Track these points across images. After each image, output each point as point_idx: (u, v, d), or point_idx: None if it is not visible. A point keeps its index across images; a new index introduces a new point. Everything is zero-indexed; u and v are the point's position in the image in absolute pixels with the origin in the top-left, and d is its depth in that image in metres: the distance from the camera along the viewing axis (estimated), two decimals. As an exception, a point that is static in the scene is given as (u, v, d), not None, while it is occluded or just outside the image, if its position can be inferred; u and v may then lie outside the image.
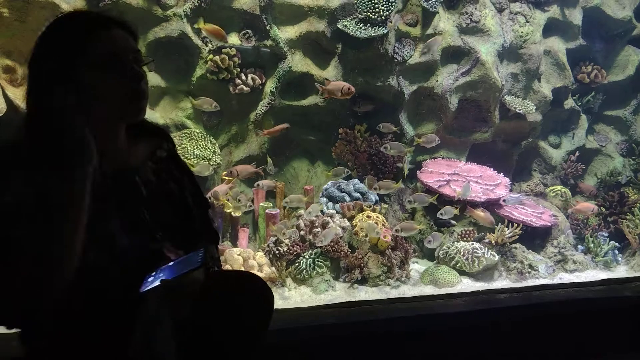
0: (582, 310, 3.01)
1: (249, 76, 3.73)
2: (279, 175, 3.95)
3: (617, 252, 3.85)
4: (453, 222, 3.66)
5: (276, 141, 3.93)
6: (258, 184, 3.39)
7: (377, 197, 3.70)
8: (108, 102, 1.20)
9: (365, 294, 2.96)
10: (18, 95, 2.96)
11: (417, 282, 3.22)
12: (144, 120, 1.36)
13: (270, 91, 3.76)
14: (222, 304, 1.38)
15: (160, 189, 1.36)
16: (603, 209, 4.18)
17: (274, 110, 3.83)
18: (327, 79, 3.71)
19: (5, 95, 2.93)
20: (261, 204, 3.45)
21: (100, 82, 1.18)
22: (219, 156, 3.58)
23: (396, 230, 3.14)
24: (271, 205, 3.49)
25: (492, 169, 4.12)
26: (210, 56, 3.57)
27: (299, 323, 2.31)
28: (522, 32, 4.39)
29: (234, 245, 3.24)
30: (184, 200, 1.42)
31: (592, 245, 3.87)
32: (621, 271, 3.73)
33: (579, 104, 4.80)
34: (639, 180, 4.53)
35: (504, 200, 3.60)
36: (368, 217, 3.31)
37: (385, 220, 3.40)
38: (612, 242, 3.86)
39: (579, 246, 3.92)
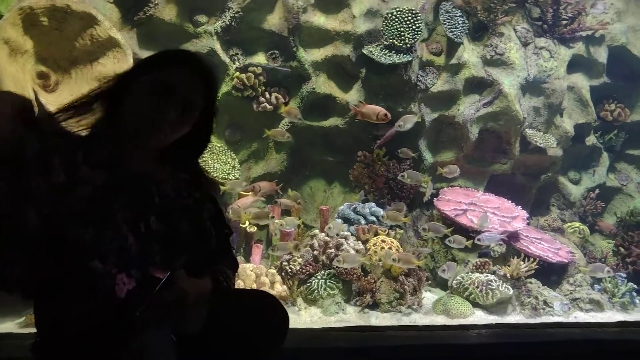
0: (597, 351, 2.93)
1: (273, 95, 3.80)
2: (300, 193, 3.96)
3: (634, 294, 3.76)
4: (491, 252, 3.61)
5: (295, 160, 3.96)
6: (276, 201, 3.41)
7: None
8: (132, 122, 1.27)
9: (375, 319, 2.93)
10: (50, 101, 3.05)
11: (429, 310, 3.18)
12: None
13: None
14: (235, 323, 1.38)
15: (177, 206, 1.35)
16: (622, 249, 4.10)
17: (295, 130, 3.87)
18: (361, 102, 3.73)
19: (37, 100, 3.03)
20: (276, 221, 3.46)
21: (136, 101, 1.26)
22: (237, 171, 3.63)
23: (393, 260, 3.03)
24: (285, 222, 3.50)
25: (509, 201, 4.09)
26: (237, 74, 3.65)
27: (309, 344, 2.29)
28: (546, 66, 4.41)
29: (247, 260, 3.25)
30: (202, 224, 1.40)
31: (609, 285, 3.79)
32: (638, 314, 3.64)
33: (601, 141, 4.76)
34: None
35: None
36: (382, 241, 3.30)
37: (399, 246, 3.38)
38: (630, 284, 3.78)
39: (595, 285, 3.84)
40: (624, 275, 3.91)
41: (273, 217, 3.16)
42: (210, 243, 1.40)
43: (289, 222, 3.13)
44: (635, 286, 3.78)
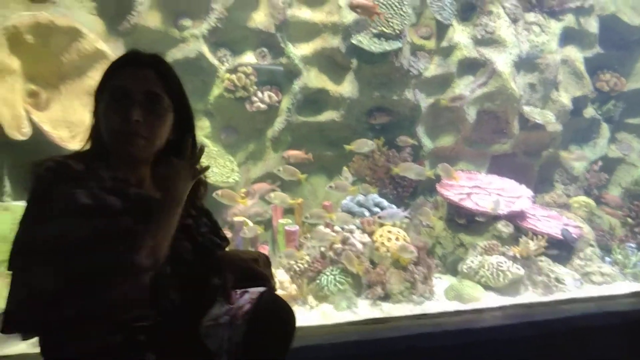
0: (613, 323, 2.91)
1: (265, 94, 3.75)
2: (297, 191, 3.93)
3: (646, 263, 3.73)
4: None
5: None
6: (272, 195, 3.35)
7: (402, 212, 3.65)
8: (107, 134, 1.29)
9: (388, 310, 2.90)
10: (42, 119, 3.01)
11: (440, 297, 3.15)
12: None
13: (287, 108, 3.78)
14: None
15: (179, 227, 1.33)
16: (629, 220, 4.07)
17: (291, 127, 3.84)
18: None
19: (30, 120, 2.99)
20: (280, 221, 3.44)
21: (102, 114, 1.29)
22: (237, 174, 3.59)
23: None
24: (290, 222, 3.47)
25: (513, 181, 4.05)
26: (227, 75, 3.60)
27: (322, 340, 2.26)
28: (537, 41, 4.36)
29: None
30: (202, 242, 1.41)
31: (620, 256, 3.76)
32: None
33: (600, 112, 4.72)
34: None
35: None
36: (389, 232, 3.27)
37: (406, 235, 3.35)
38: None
39: (606, 258, 3.81)
40: (634, 245, 3.88)
41: (244, 197, 3.15)
42: (211, 258, 1.41)
43: (250, 229, 3.16)
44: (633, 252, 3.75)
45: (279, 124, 3.79)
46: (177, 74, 1.38)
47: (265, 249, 3.30)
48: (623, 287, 3.51)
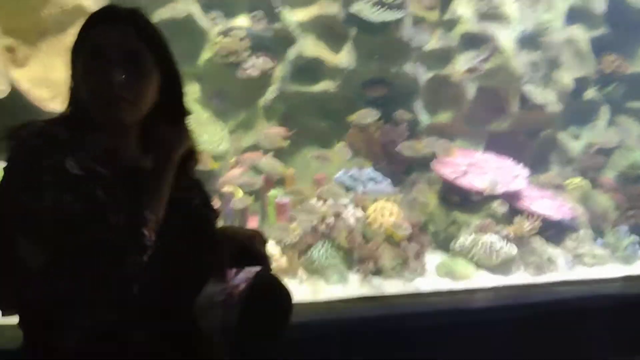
0: (604, 306, 2.89)
1: (259, 59, 3.60)
2: (290, 163, 3.82)
3: (637, 246, 3.71)
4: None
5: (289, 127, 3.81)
6: (262, 162, 3.24)
7: (394, 187, 3.58)
8: (88, 99, 1.16)
9: (379, 286, 2.85)
10: (21, 77, 2.85)
11: (432, 274, 3.11)
12: None
13: (281, 76, 3.64)
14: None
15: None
16: (624, 204, 4.05)
17: (284, 96, 3.70)
18: None
19: (7, 76, 2.82)
20: (271, 192, 3.33)
21: (81, 77, 1.17)
22: (227, 142, 3.47)
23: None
24: (281, 193, 3.38)
25: (510, 160, 3.98)
26: (219, 39, 3.44)
27: (313, 317, 2.21)
28: (542, 19, 4.25)
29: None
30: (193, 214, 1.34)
31: (612, 239, 3.74)
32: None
33: (601, 94, 4.63)
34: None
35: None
36: (382, 207, 3.19)
37: (400, 211, 3.27)
38: (632, 236, 3.73)
39: (598, 240, 3.78)
40: (627, 228, 3.86)
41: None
42: (205, 232, 1.35)
43: (241, 200, 3.04)
44: (638, 238, 3.73)
45: (271, 92, 3.65)
46: (160, 30, 1.25)
47: (254, 221, 3.21)
48: (614, 270, 3.50)
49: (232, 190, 3.06)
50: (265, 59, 3.62)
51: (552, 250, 3.44)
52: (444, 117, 4.09)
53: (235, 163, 3.37)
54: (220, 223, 1.51)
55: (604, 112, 4.67)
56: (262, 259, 1.44)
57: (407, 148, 3.53)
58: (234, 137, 3.64)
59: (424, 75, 3.95)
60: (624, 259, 3.65)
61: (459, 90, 4.00)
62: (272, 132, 3.33)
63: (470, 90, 4.03)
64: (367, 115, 3.55)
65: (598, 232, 3.88)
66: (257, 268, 1.41)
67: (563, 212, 3.70)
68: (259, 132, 3.61)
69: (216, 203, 2.76)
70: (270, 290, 1.36)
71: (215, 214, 1.45)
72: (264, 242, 1.49)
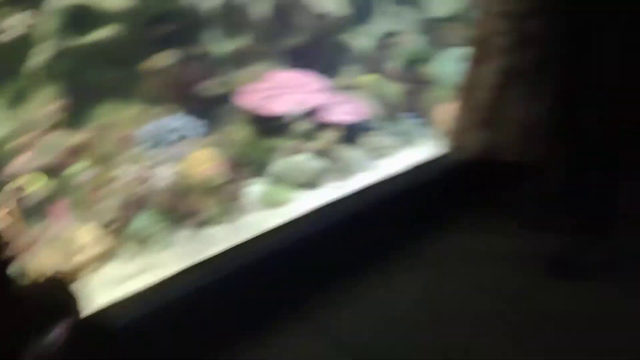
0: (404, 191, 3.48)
1: (15, 17, 3.08)
2: (90, 126, 3.53)
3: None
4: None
5: (73, 88, 3.45)
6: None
7: (205, 129, 3.58)
8: None
9: (211, 237, 2.99)
10: None
11: (256, 206, 3.33)
12: None
13: (47, 33, 3.18)
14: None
15: None
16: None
17: (59, 56, 3.28)
18: None
19: None
20: (72, 169, 3.10)
21: None
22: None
23: None
24: (85, 166, 3.16)
25: (309, 74, 4.17)
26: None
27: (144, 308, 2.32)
28: None
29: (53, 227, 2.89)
30: None
31: (402, 126, 4.32)
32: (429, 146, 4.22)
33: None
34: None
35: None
36: (196, 157, 3.23)
37: (214, 154, 3.35)
38: (418, 119, 4.35)
39: (389, 129, 4.29)
40: (413, 114, 4.45)
41: None
42: None
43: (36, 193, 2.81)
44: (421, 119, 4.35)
45: (40, 53, 3.20)
46: None
47: (64, 205, 3.01)
48: (408, 155, 4.04)
49: (23, 182, 2.77)
50: (24, 15, 3.10)
51: (354, 153, 3.84)
52: (240, 42, 4.04)
53: (23, 146, 3.02)
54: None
55: (384, 5, 5.00)
56: (69, 306, 1.41)
57: (209, 86, 3.50)
58: (10, 116, 3.19)
59: (209, 1, 3.78)
60: (413, 144, 4.23)
61: (250, 11, 3.94)
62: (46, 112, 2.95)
63: (258, 9, 3.99)
64: (163, 59, 3.37)
65: (391, 121, 4.40)
66: (67, 319, 1.36)
67: (358, 113, 4.08)
68: (48, 96, 3.23)
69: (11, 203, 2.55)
70: (89, 337, 1.39)
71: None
72: (63, 285, 1.46)
